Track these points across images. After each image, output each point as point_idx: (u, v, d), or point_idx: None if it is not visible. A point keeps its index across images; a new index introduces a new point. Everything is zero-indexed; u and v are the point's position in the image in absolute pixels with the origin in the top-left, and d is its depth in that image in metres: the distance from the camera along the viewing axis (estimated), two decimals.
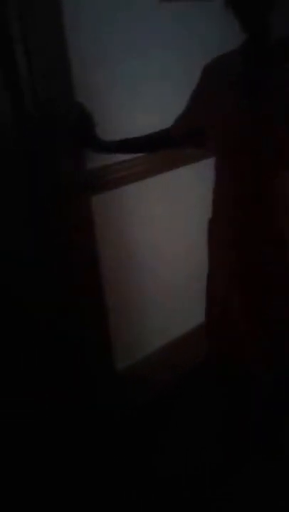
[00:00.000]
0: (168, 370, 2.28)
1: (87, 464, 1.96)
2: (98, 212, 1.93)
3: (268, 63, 1.50)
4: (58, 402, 1.99)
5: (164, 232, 2.20)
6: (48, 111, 1.71)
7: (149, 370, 2.23)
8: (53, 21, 1.66)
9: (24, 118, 1.71)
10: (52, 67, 1.69)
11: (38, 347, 1.96)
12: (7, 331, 1.90)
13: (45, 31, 1.65)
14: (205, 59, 1.63)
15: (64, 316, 1.94)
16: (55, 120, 1.73)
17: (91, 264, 1.95)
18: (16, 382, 1.94)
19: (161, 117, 1.76)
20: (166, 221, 2.21)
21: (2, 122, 1.72)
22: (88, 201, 1.89)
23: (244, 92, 1.51)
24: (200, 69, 1.64)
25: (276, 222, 1.59)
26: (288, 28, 1.54)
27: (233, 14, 1.43)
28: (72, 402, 2.00)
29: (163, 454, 2.02)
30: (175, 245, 2.26)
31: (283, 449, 1.96)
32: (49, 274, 1.90)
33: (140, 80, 1.95)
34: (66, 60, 1.70)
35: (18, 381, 1.94)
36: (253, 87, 1.50)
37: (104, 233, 1.98)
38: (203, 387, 2.25)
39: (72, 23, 1.69)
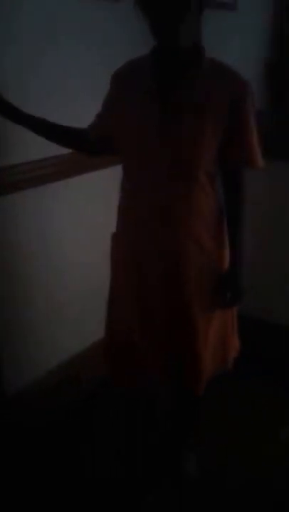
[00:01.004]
0: (67, 389, 2.16)
1: None
2: None
3: (178, 69, 1.44)
4: None
5: (57, 244, 2.06)
6: None
7: (44, 391, 2.08)
8: None
9: None
10: None
11: None
12: None
13: None
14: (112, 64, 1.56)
15: None
16: None
17: None
18: None
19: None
20: (62, 232, 2.07)
21: None
22: None
23: (153, 99, 1.45)
24: (105, 74, 1.57)
25: (186, 238, 1.52)
26: (198, 34, 1.48)
27: (143, 17, 1.35)
28: None
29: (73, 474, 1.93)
30: (73, 259, 2.13)
31: (183, 473, 1.90)
32: None
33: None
34: None
35: None
36: (162, 94, 1.44)
37: None
38: (106, 407, 2.19)
39: None
